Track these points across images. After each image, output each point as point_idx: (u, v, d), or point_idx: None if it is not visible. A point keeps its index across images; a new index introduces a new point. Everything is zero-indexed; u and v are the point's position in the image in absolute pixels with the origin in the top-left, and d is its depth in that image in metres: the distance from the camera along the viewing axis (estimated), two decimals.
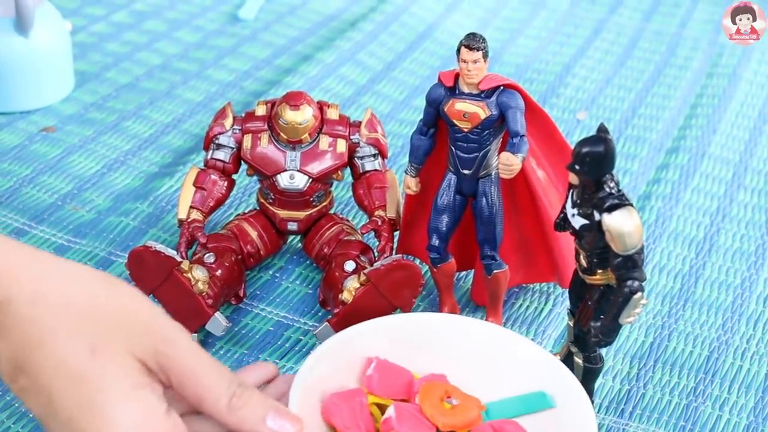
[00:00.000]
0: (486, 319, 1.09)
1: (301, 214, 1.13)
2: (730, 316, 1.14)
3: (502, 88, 1.00)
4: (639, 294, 0.88)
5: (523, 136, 0.99)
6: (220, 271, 1.07)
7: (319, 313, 1.12)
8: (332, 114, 1.11)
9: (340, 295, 1.04)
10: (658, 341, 1.11)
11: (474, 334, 0.98)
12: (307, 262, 1.18)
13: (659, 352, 1.09)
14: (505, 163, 0.97)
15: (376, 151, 1.12)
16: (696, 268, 1.21)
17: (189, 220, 1.09)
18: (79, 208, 1.25)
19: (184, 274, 1.03)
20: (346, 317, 1.02)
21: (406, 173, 1.06)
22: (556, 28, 1.73)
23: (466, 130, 1.01)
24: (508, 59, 1.63)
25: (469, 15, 1.74)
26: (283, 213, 1.13)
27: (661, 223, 1.28)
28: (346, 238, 1.12)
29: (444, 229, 1.05)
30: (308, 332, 1.09)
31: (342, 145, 1.11)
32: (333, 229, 1.14)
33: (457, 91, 1.01)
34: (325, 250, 1.13)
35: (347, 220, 1.16)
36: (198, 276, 1.04)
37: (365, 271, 1.03)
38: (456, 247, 1.09)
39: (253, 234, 1.13)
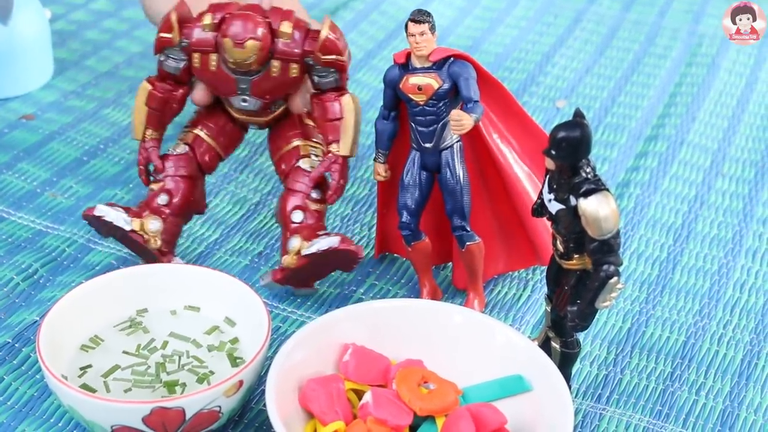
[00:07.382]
0: (467, 296, 1.09)
1: (261, 120, 1.11)
2: (707, 302, 1.15)
3: (452, 59, 1.01)
4: (615, 278, 0.88)
5: (477, 101, 1.00)
6: (176, 200, 1.09)
7: (297, 300, 1.12)
8: (285, 28, 1.04)
9: (284, 257, 1.07)
10: (635, 327, 1.11)
11: (451, 319, 0.99)
12: None
13: (636, 338, 1.10)
14: (456, 119, 0.98)
15: (333, 69, 1.07)
16: (674, 254, 1.22)
17: (146, 140, 1.11)
18: (57, 194, 1.24)
19: (137, 233, 1.07)
20: (290, 277, 1.08)
21: (375, 160, 1.07)
22: (535, 18, 1.73)
23: (421, 103, 1.02)
24: (488, 48, 1.63)
25: (448, 4, 1.74)
26: (243, 117, 1.11)
27: (639, 210, 1.28)
28: (303, 164, 1.09)
29: (413, 205, 1.06)
30: (287, 319, 1.09)
31: (295, 70, 1.06)
32: (293, 142, 1.11)
33: (410, 68, 1.02)
34: (283, 167, 1.11)
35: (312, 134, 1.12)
36: (150, 230, 1.08)
37: (303, 251, 1.04)
38: (434, 239, 1.10)
39: (211, 142, 1.11)
